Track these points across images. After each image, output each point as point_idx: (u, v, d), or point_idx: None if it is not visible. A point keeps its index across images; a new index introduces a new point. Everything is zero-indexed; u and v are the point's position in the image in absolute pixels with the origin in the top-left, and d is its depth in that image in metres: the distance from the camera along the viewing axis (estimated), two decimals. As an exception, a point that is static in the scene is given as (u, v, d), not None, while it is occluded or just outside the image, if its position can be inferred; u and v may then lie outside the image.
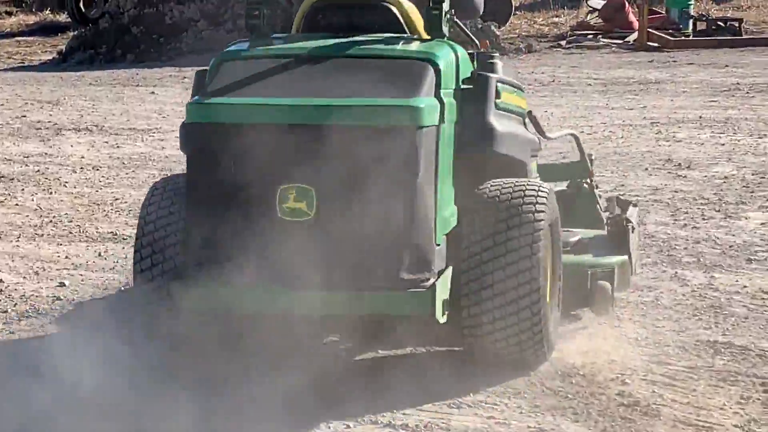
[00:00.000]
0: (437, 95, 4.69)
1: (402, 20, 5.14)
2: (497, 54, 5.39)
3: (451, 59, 4.94)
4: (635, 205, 6.16)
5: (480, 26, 15.16)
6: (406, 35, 5.11)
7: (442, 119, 4.67)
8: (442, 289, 4.57)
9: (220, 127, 4.61)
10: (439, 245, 4.62)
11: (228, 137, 4.58)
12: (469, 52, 5.20)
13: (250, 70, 4.85)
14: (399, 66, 4.82)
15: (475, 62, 5.13)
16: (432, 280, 4.53)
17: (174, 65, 16.43)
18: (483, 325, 4.70)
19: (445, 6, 4.96)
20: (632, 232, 5.60)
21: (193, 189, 4.73)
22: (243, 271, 4.52)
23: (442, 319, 4.60)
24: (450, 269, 4.70)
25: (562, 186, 6.08)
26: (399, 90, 4.62)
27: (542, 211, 4.75)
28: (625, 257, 5.41)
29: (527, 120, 5.44)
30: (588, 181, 6.01)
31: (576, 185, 6.02)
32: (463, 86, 4.95)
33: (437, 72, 4.74)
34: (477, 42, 5.76)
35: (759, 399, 4.44)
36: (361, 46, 5.01)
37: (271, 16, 5.27)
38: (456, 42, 5.16)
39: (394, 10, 5.14)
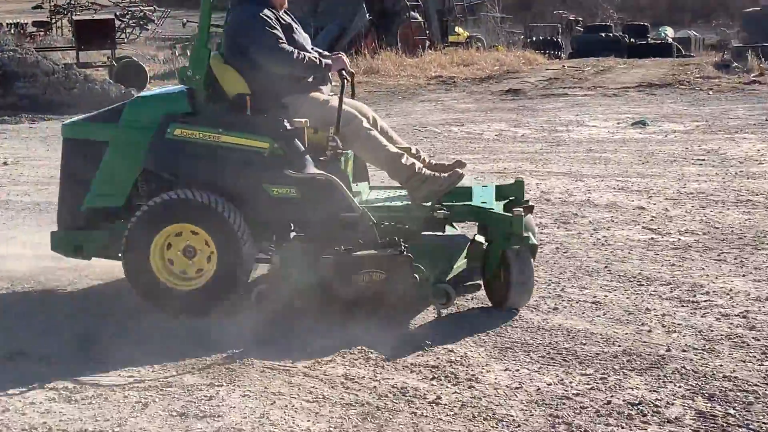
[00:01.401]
0: (108, 120, 5.24)
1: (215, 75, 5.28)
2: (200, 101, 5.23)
3: (142, 101, 5.47)
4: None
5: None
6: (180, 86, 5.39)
7: (110, 138, 5.16)
8: (72, 238, 5.30)
9: None
10: (82, 211, 5.24)
11: None
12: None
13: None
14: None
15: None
16: (65, 232, 5.32)
17: None
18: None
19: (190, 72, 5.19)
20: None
21: None
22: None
23: (69, 256, 5.43)
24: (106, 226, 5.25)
25: None
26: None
27: (157, 216, 4.98)
28: None
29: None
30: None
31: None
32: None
33: (127, 108, 5.23)
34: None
35: (314, 351, 4.61)
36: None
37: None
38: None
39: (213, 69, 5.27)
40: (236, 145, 5.03)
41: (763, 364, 4.22)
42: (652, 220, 7.19)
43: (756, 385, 4.00)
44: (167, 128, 5.05)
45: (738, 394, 3.91)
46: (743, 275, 5.64)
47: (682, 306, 5.11)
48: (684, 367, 4.21)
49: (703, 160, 9.89)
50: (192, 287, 5.02)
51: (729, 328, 4.73)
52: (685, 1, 48.58)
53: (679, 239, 6.57)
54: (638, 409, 3.80)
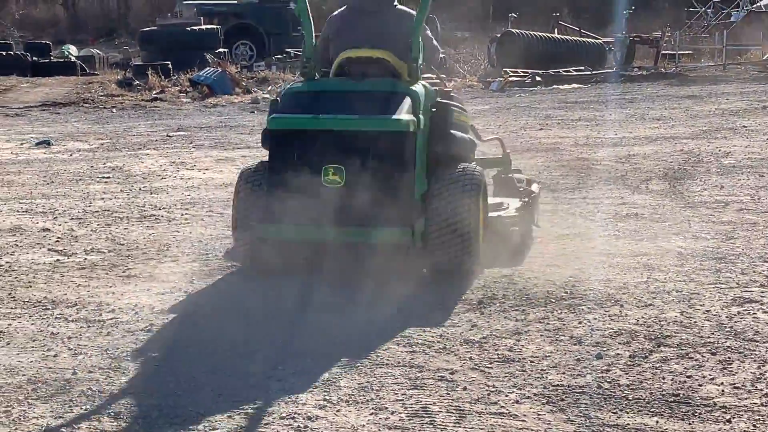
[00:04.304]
0: (415, 114, 5.50)
1: (395, 70, 5.80)
2: (452, 89, 6.41)
3: (423, 92, 5.70)
4: (537, 183, 7.39)
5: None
6: (394, 80, 5.76)
7: (417, 128, 5.48)
8: (419, 226, 5.43)
9: (290, 130, 5.49)
10: (417, 200, 5.47)
11: (293, 137, 5.46)
12: (435, 87, 5.97)
13: (303, 98, 5.60)
14: (389, 96, 5.55)
15: (438, 94, 5.90)
16: (412, 221, 5.40)
17: None
18: (434, 247, 5.50)
19: (420, 61, 5.79)
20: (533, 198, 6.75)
21: (274, 168, 5.49)
22: (304, 215, 5.34)
23: (419, 245, 5.49)
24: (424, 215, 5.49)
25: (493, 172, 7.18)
26: (390, 110, 5.46)
27: (477, 183, 5.58)
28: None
29: (470, 130, 6.25)
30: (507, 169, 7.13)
31: (500, 172, 7.12)
32: (432, 110, 5.72)
33: (414, 100, 5.55)
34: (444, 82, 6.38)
35: None
36: (370, 85, 5.69)
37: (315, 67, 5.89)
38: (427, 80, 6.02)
39: (390, 63, 5.80)
40: (465, 122, 6.12)
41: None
42: (58, 241, 7.03)
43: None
44: (452, 115, 5.79)
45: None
46: (148, 290, 5.73)
47: (89, 326, 5.05)
48: (90, 388, 4.15)
49: (108, 177, 9.94)
50: None
51: (135, 343, 4.76)
52: (85, 20, 48.62)
53: (86, 259, 6.50)
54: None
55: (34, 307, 5.40)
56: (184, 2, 30.95)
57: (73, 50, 34.76)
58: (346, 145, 5.35)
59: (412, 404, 3.93)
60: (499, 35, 23.72)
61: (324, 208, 5.31)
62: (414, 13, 5.89)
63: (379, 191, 5.32)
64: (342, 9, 6.23)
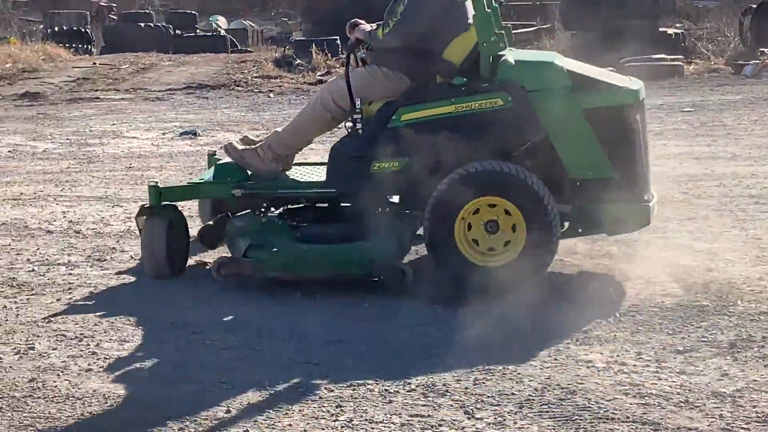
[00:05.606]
0: None
1: None
2: None
3: None
4: None
5: None
6: None
7: None
8: None
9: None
10: None
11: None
12: None
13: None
14: None
15: None
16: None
17: None
18: None
19: None
20: None
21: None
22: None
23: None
24: None
25: None
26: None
27: None
28: None
29: None
30: None
31: None
32: None
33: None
34: None
35: None
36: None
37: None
38: None
39: None
40: None
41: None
42: (206, 252, 7.30)
43: None
44: None
45: None
46: (308, 314, 5.88)
47: (241, 353, 5.24)
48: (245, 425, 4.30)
49: (265, 176, 10.21)
50: None
51: (296, 377, 4.89)
52: (238, -14, 50.20)
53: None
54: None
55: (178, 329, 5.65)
56: (357, -36, 31.47)
57: (222, 22, 35.93)
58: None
59: (645, 470, 3.89)
60: (755, 6, 23.09)
61: None
62: None
63: None
64: None
